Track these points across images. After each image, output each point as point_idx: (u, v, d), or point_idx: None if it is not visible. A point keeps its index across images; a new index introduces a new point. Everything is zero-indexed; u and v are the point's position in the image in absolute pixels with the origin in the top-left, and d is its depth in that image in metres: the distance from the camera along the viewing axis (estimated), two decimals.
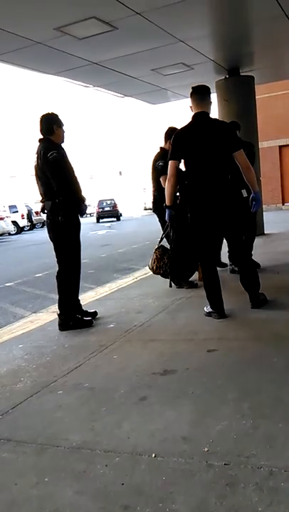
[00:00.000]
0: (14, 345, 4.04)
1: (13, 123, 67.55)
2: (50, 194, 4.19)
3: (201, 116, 4.01)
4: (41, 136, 4.30)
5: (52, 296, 6.46)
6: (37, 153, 4.26)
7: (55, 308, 4.74)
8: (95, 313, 4.61)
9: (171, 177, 4.03)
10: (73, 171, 4.30)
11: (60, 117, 4.35)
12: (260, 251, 6.85)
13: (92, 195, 72.59)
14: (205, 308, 4.18)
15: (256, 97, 10.06)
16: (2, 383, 3.14)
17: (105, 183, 73.98)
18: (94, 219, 33.92)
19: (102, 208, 33.67)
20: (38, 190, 4.41)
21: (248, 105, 9.71)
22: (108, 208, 33.56)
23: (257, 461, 1.88)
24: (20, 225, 26.20)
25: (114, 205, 33.87)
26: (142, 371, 3.02)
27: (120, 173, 76.46)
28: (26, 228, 26.98)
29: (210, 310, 4.12)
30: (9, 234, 24.43)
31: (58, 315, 4.40)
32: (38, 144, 4.30)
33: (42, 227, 30.78)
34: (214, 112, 10.12)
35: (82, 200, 4.34)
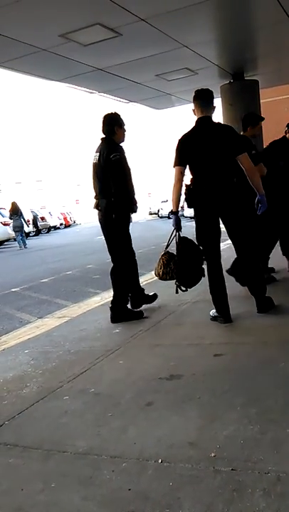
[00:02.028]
0: (20, 350, 4.04)
1: (18, 129, 67.86)
2: (106, 192, 4.40)
3: (204, 121, 4.02)
4: (103, 136, 4.56)
5: (57, 301, 6.48)
6: (98, 152, 4.48)
7: (61, 313, 4.75)
8: (155, 295, 4.89)
9: (176, 183, 4.02)
10: (130, 173, 4.53)
11: (121, 117, 4.61)
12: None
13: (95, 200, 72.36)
14: (211, 313, 4.17)
15: (261, 101, 10.06)
16: (8, 389, 3.14)
17: None
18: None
19: None
20: (92, 187, 4.63)
21: (252, 109, 9.69)
22: None
23: (264, 466, 1.87)
24: (26, 231, 26.24)
25: None
26: (148, 376, 3.01)
27: None
28: (32, 234, 27.01)
29: (215, 314, 4.11)
30: (14, 239, 24.49)
31: (110, 308, 4.60)
32: (100, 142, 4.55)
33: (47, 232, 30.91)
34: (219, 117, 10.13)
35: (135, 201, 4.59)
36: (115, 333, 4.19)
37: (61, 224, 38.65)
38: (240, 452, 2.00)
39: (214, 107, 4.10)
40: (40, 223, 28.40)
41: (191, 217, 28.62)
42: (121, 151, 4.44)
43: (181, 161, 4.02)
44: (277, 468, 1.84)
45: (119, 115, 4.60)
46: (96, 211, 4.62)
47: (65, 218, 41.35)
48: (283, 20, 6.56)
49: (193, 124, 4.07)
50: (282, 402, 2.41)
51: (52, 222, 34.46)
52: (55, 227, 35.85)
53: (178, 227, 4.20)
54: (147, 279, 6.97)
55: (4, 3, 4.97)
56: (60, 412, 2.67)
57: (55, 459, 2.17)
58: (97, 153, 4.48)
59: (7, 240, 22.65)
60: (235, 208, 4.01)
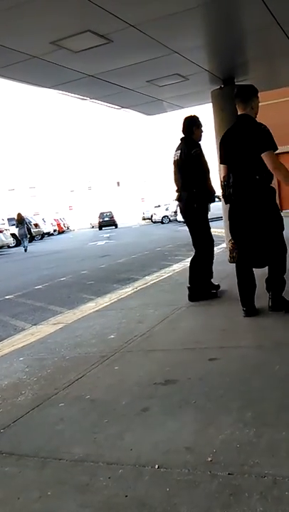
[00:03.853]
0: (15, 358, 4.03)
1: (11, 136, 67.82)
2: (188, 185, 5.00)
3: (240, 119, 4.17)
4: (182, 136, 5.15)
5: (52, 308, 6.46)
6: (180, 149, 5.09)
7: (56, 320, 4.72)
8: (218, 286, 5.28)
9: (223, 181, 4.25)
10: (208, 166, 5.09)
11: (199, 119, 5.20)
12: None
13: (90, 206, 72.85)
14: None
15: None
16: (3, 397, 3.12)
17: (103, 194, 74.20)
18: (94, 227, 40.74)
19: (103, 219, 42.41)
20: (174, 182, 5.26)
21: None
22: (107, 219, 42.13)
23: (261, 470, 1.87)
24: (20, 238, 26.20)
25: (112, 216, 42.39)
26: (144, 382, 3.01)
27: (118, 183, 76.72)
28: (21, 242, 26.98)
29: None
30: (8, 246, 24.44)
31: (188, 287, 5.14)
32: (180, 142, 5.17)
33: (41, 239, 30.86)
34: (210, 122, 10.19)
35: (212, 191, 5.11)
36: (110, 339, 4.18)
37: (55, 230, 38.66)
38: (236, 456, 2.00)
39: (254, 103, 4.17)
40: (33, 230, 28.37)
41: (183, 222, 28.83)
42: (199, 147, 5.02)
43: (223, 158, 4.28)
44: (274, 472, 1.84)
45: (197, 117, 5.20)
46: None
47: (58, 224, 41.38)
48: (272, 25, 6.61)
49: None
50: (277, 406, 2.41)
51: (45, 228, 34.42)
52: (49, 234, 35.81)
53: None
54: (141, 284, 6.98)
55: None
56: (55, 419, 2.66)
57: (52, 467, 2.16)
58: (178, 151, 5.08)
59: (1, 247, 22.62)
60: (264, 204, 4.08)
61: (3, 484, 2.09)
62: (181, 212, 5.37)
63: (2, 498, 1.98)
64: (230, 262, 4.36)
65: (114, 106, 10.42)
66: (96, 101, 9.77)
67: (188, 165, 4.94)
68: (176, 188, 5.20)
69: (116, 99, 9.77)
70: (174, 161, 5.14)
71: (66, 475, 2.08)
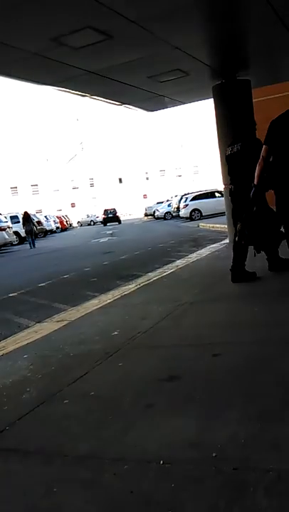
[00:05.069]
0: (19, 355, 4.04)
1: (13, 134, 67.80)
2: (245, 178, 5.16)
3: None
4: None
5: (55, 305, 6.47)
6: (236, 144, 5.58)
7: (59, 317, 4.72)
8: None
9: (261, 160, 4.55)
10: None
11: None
12: None
13: (94, 202, 72.79)
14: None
15: (253, 101, 10.08)
16: (8, 394, 3.13)
17: (106, 190, 74.19)
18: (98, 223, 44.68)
19: (107, 215, 45.90)
20: (228, 175, 5.80)
21: (245, 109, 9.73)
22: (111, 215, 45.81)
23: (266, 465, 1.87)
24: (22, 236, 26.28)
25: (115, 213, 46.31)
26: (148, 378, 3.01)
27: (120, 180, 76.69)
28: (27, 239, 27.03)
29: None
30: (11, 244, 24.49)
31: (230, 269, 5.55)
32: (236, 137, 5.66)
33: (44, 236, 30.90)
34: (211, 117, 10.16)
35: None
36: (114, 335, 4.19)
37: (57, 228, 38.69)
38: (241, 451, 2.00)
39: None
40: (36, 227, 28.42)
41: (186, 218, 28.49)
42: (256, 141, 5.28)
43: (267, 140, 4.52)
44: (279, 467, 1.84)
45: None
46: None
47: (61, 222, 41.41)
48: (273, 21, 6.59)
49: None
50: (281, 401, 2.41)
51: (48, 226, 34.46)
52: (52, 231, 35.84)
53: (254, 198, 4.82)
54: (144, 280, 6.98)
55: None
56: (60, 416, 2.66)
57: (57, 464, 2.17)
58: (235, 145, 5.56)
59: (4, 245, 22.67)
60: None
61: (9, 481, 2.09)
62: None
63: (8, 495, 1.98)
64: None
65: (114, 102, 10.41)
66: (96, 97, 9.76)
67: (246, 158, 5.29)
68: (228, 182, 5.65)
69: (116, 96, 9.77)
70: (228, 155, 5.64)
71: (71, 471, 2.08)
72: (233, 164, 5.62)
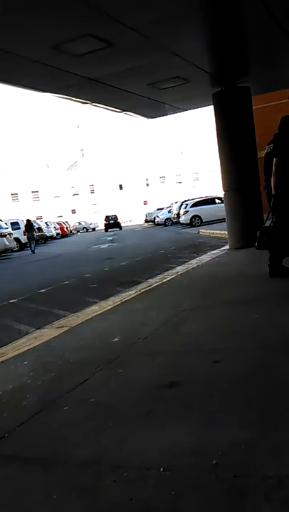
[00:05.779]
0: (19, 362, 4.03)
1: (14, 141, 68.02)
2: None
3: None
4: (276, 132, 5.72)
5: (56, 311, 6.47)
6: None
7: (60, 323, 4.71)
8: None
9: (275, 171, 5.11)
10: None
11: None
12: None
13: (94, 209, 72.89)
14: None
15: (253, 108, 10.12)
16: (8, 401, 3.13)
17: (106, 196, 74.33)
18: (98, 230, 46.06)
19: (108, 221, 47.16)
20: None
21: (245, 115, 9.78)
22: (112, 221, 47.10)
23: (266, 471, 1.86)
24: (23, 242, 26.30)
25: (117, 219, 47.49)
26: (148, 384, 3.00)
27: (121, 186, 76.87)
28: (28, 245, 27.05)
29: None
30: (12, 251, 24.50)
31: (268, 265, 5.73)
32: (274, 138, 5.73)
33: (44, 242, 30.92)
34: (211, 124, 10.19)
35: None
36: (114, 342, 4.18)
37: (58, 234, 38.73)
38: (241, 458, 1.99)
39: None
40: (36, 234, 28.45)
41: (186, 224, 28.56)
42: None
43: (276, 152, 5.34)
44: (279, 473, 1.84)
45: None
46: None
47: (61, 228, 41.48)
48: (273, 28, 6.63)
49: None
50: (282, 407, 2.40)
51: (48, 232, 34.48)
52: (52, 237, 35.88)
53: (274, 207, 5.31)
54: (144, 287, 6.98)
55: None
56: (60, 422, 2.66)
57: (56, 471, 2.16)
58: (270, 145, 5.68)
59: (4, 251, 22.67)
60: None
61: (8, 488, 2.08)
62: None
63: (7, 502, 1.97)
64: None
65: (115, 109, 10.45)
66: (97, 104, 9.80)
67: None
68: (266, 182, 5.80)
69: (117, 103, 9.81)
70: (265, 154, 5.80)
71: (71, 478, 2.07)
72: (265, 163, 5.83)
